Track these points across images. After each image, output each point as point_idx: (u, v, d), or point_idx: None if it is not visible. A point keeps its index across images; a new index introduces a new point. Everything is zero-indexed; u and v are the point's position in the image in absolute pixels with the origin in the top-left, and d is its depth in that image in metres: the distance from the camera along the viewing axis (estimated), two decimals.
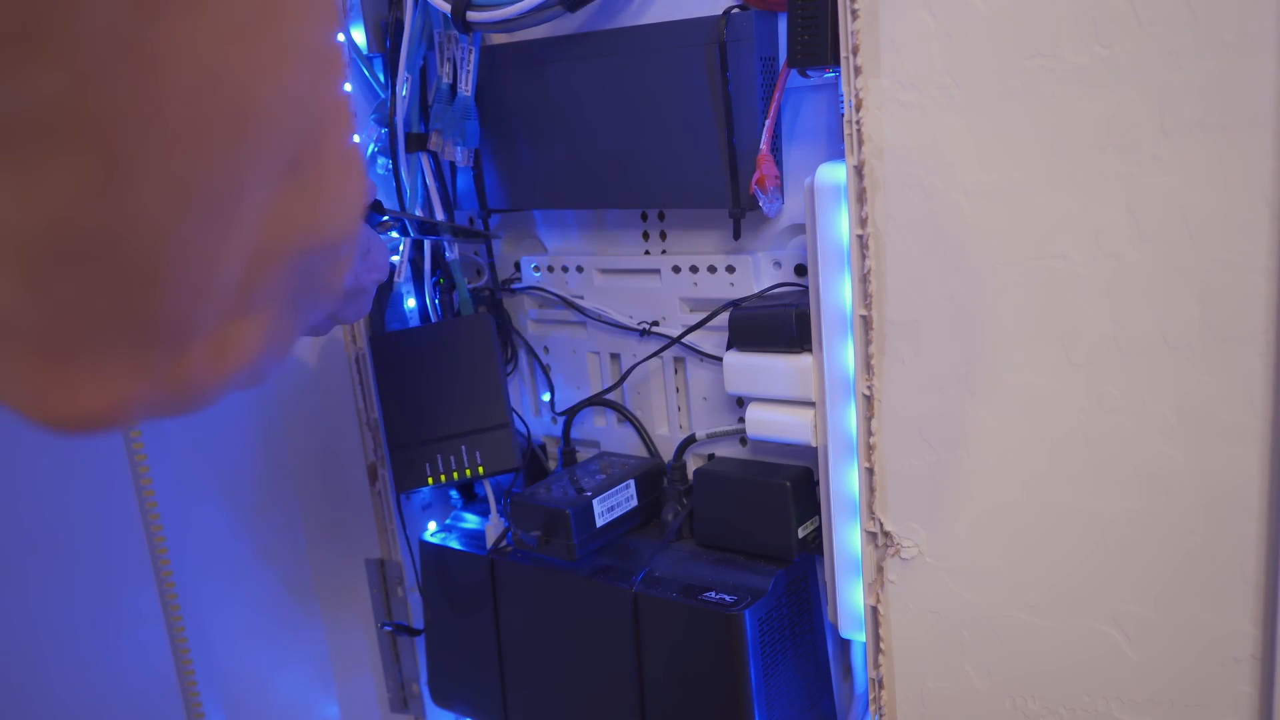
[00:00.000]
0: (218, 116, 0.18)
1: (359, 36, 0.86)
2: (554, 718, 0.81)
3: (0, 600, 0.71)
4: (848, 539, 0.66)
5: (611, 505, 0.77)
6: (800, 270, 0.72)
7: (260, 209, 0.21)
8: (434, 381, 0.82)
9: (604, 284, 0.84)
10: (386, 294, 0.89)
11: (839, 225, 0.61)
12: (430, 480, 0.82)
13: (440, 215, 0.86)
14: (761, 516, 0.72)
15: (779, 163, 0.70)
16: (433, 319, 0.90)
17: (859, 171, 0.58)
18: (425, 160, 0.84)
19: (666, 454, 0.83)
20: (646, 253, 0.81)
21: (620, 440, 0.86)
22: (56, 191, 0.17)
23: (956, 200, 0.55)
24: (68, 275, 0.18)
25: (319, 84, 0.21)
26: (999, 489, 0.58)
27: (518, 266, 0.89)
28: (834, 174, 0.61)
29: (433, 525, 0.92)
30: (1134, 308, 0.52)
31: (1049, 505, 0.56)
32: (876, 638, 0.64)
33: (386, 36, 0.82)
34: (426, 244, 0.87)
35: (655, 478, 0.81)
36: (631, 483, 0.79)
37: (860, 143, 0.57)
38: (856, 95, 0.57)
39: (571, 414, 0.87)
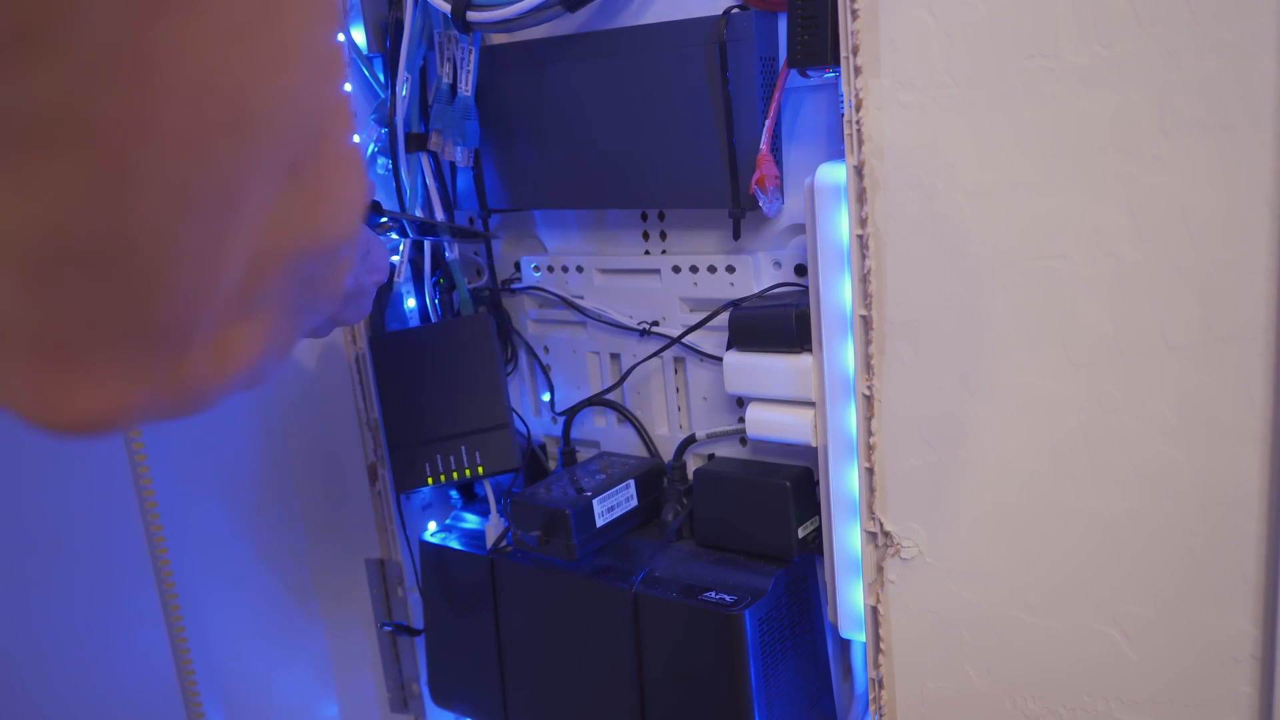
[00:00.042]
0: (217, 118, 0.18)
1: (359, 36, 0.86)
2: (554, 718, 0.81)
3: (0, 600, 0.71)
4: (848, 539, 0.66)
5: (611, 505, 0.77)
6: (800, 270, 0.72)
7: (260, 211, 0.21)
8: (434, 381, 0.82)
9: (604, 284, 0.84)
10: (386, 294, 0.89)
11: (839, 225, 0.61)
12: (430, 480, 0.82)
13: (440, 215, 0.85)
14: (761, 516, 0.72)
15: (779, 163, 0.70)
16: (433, 319, 0.90)
17: (859, 171, 0.58)
18: (425, 160, 0.84)
19: (666, 454, 0.83)
20: (646, 253, 0.81)
21: (620, 440, 0.86)
22: (56, 193, 0.17)
23: (956, 200, 0.55)
24: (67, 278, 0.18)
25: (319, 85, 0.21)
26: (999, 489, 0.58)
27: (518, 266, 0.89)
28: (834, 174, 0.61)
29: (433, 525, 0.92)
30: (1134, 308, 0.52)
31: (1049, 505, 0.56)
32: (876, 638, 0.64)
33: (386, 36, 0.82)
34: (426, 244, 0.87)
35: (655, 478, 0.81)
36: (631, 483, 0.79)
37: (860, 143, 0.57)
38: (856, 95, 0.57)
39: (571, 414, 0.87)
